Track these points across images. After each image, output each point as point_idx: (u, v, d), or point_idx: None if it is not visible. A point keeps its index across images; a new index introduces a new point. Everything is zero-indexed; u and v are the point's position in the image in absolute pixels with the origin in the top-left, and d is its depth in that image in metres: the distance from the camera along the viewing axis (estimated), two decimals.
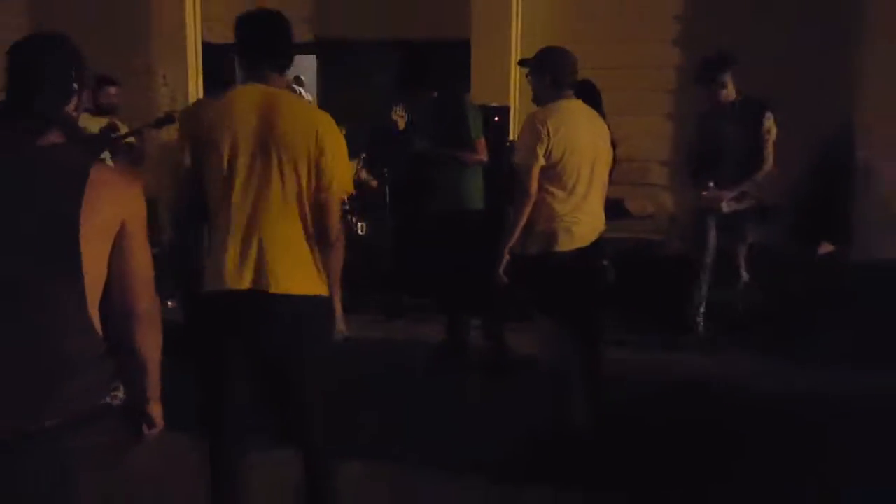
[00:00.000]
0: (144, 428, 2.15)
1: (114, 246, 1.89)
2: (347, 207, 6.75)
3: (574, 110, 4.06)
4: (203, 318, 2.84)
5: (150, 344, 2.04)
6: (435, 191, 5.40)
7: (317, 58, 8.92)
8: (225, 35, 8.17)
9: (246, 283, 2.68)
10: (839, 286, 6.08)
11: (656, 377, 5.11)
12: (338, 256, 2.94)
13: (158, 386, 2.12)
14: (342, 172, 2.86)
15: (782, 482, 3.85)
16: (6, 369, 1.77)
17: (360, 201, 6.82)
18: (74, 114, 2.00)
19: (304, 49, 8.63)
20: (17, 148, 1.86)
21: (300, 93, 9.02)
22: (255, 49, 2.84)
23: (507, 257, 4.08)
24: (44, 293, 1.79)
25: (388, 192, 6.72)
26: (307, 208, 2.78)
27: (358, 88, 8.31)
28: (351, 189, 3.01)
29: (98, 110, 6.41)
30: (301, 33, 8.10)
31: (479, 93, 7.02)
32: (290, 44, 2.92)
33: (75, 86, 1.95)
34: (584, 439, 3.99)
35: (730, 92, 5.37)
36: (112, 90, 6.54)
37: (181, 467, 3.43)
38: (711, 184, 5.35)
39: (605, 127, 4.26)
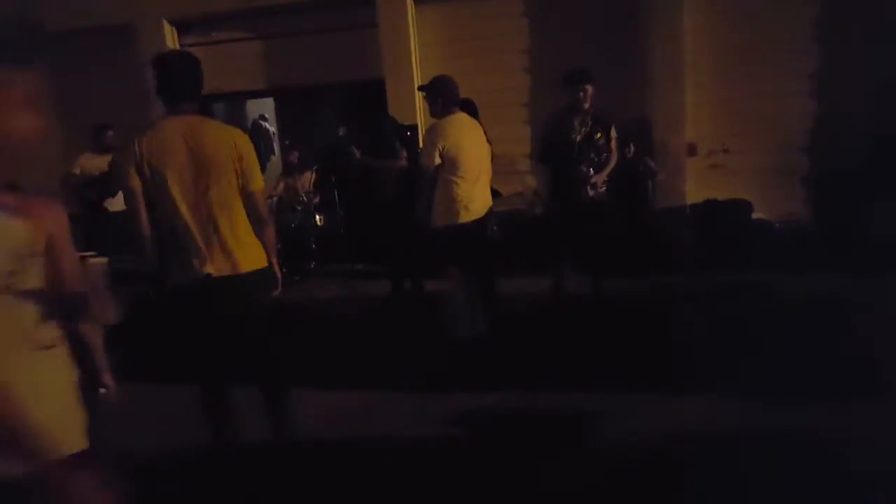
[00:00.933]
0: (101, 392, 1.97)
1: (44, 255, 1.70)
2: (306, 206, 6.87)
3: (462, 121, 4.14)
4: (184, 300, 2.68)
5: (90, 329, 1.90)
6: (372, 189, 5.49)
7: (274, 99, 8.89)
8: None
9: (217, 269, 2.64)
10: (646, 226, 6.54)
11: (538, 302, 5.26)
12: (271, 231, 2.87)
13: (104, 357, 1.96)
14: (258, 171, 2.77)
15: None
16: None
17: (317, 201, 6.95)
18: None
19: (262, 94, 8.63)
20: None
21: (265, 126, 9.00)
22: (177, 87, 2.64)
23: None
24: None
25: (336, 193, 6.84)
26: (242, 202, 2.73)
27: (307, 120, 8.36)
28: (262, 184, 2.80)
29: (101, 150, 6.29)
30: (258, 82, 8.13)
31: (396, 115, 6.98)
32: (201, 79, 2.71)
33: None
34: (482, 344, 4.15)
35: (588, 98, 4.78)
36: (109, 133, 6.40)
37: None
38: (591, 171, 4.80)
39: (483, 132, 4.38)
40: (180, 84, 2.65)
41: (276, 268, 2.91)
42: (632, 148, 6.65)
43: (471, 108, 4.79)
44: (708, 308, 5.01)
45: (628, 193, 6.47)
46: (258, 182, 2.77)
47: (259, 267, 2.78)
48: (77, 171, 6.35)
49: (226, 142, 2.68)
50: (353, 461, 3.19)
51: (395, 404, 3.73)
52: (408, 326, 5.10)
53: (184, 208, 2.61)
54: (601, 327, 4.67)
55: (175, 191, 2.59)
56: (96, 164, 6.23)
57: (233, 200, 2.70)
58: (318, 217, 6.89)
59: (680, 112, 6.97)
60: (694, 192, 7.01)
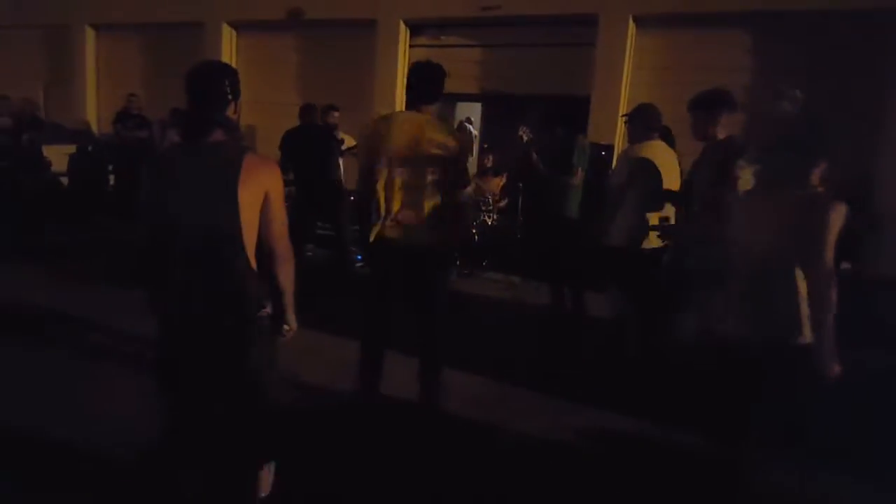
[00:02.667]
0: (284, 328, 2.23)
1: (261, 208, 2.02)
2: (491, 207, 7.07)
3: (656, 148, 4.12)
4: (379, 257, 3.09)
5: (285, 274, 2.13)
6: (547, 201, 5.41)
7: (481, 105, 9.25)
8: None
9: (407, 238, 3.00)
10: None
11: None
12: (457, 223, 3.17)
13: (292, 302, 2.20)
14: (466, 170, 3.13)
15: None
16: (202, 289, 1.99)
17: (502, 205, 7.13)
18: (234, 116, 2.08)
19: (473, 98, 9.02)
20: (196, 144, 2.02)
21: (469, 129, 9.38)
22: (416, 88, 3.09)
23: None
24: (219, 239, 1.97)
25: (520, 200, 6.97)
26: (443, 192, 3.02)
27: (509, 127, 8.56)
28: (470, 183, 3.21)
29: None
30: (471, 87, 8.51)
31: (595, 133, 7.14)
32: (440, 85, 3.10)
33: (230, 97, 2.04)
34: (633, 370, 4.03)
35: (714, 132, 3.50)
36: (335, 113, 6.99)
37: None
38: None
39: (677, 161, 4.27)
40: (419, 86, 3.10)
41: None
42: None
43: (667, 136, 4.67)
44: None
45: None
46: (465, 179, 3.14)
47: (444, 247, 3.13)
48: None
49: (445, 139, 3.04)
50: (472, 443, 3.31)
51: (531, 404, 3.80)
52: (561, 337, 5.01)
53: (396, 185, 3.00)
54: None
55: (391, 169, 2.99)
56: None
57: (438, 188, 3.03)
58: (492, 216, 7.07)
59: None
60: None
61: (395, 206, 3.01)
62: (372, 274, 3.19)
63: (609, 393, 3.88)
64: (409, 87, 3.10)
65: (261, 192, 1.99)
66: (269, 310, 2.13)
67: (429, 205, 3.03)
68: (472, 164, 9.46)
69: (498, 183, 7.28)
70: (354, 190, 3.15)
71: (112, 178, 9.54)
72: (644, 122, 4.16)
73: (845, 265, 6.01)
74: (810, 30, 6.56)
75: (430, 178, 2.99)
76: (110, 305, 4.85)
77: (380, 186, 3.00)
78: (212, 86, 2.02)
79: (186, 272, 2.00)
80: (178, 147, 2.06)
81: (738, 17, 6.83)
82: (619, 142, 7.17)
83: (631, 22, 7.30)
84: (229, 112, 2.05)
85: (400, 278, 3.12)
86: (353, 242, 6.46)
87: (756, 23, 6.84)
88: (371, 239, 3.08)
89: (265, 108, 9.87)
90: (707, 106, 3.57)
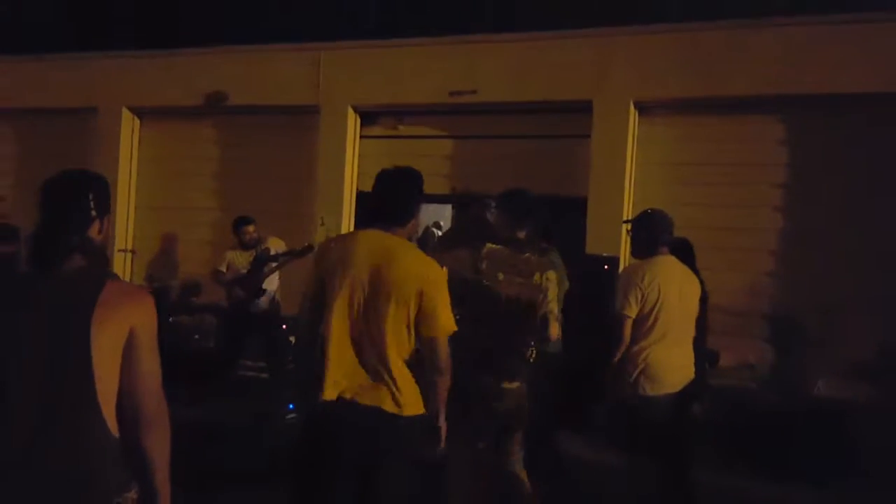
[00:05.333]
0: None
1: (124, 353, 1.98)
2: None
3: (668, 265, 4.26)
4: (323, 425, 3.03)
5: (156, 445, 2.04)
6: None
7: (451, 207, 9.56)
8: None
9: (363, 399, 2.95)
10: None
11: None
12: (444, 384, 3.08)
13: (167, 485, 2.09)
14: (446, 314, 3.01)
15: None
16: (34, 471, 1.89)
17: None
18: (100, 236, 2.15)
19: (441, 199, 9.33)
20: (43, 274, 2.01)
21: (437, 234, 9.66)
22: (386, 205, 3.15)
23: None
24: (65, 399, 1.91)
25: None
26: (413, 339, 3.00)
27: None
28: (451, 329, 3.04)
29: (243, 246, 7.18)
30: (438, 186, 8.83)
31: (593, 243, 7.40)
32: (407, 202, 3.15)
33: (94, 213, 2.12)
34: None
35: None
36: (249, 228, 7.15)
37: None
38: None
39: (697, 282, 4.41)
40: (379, 202, 3.19)
41: (443, 419, 3.13)
42: None
43: (683, 249, 4.84)
44: None
45: None
46: (444, 325, 3.04)
47: (411, 412, 3.01)
48: (223, 268, 7.37)
49: (415, 272, 3.02)
50: None
51: None
52: None
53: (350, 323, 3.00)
54: None
55: (340, 308, 2.98)
56: (241, 261, 7.19)
57: (403, 335, 3.01)
58: None
59: None
60: None
61: (351, 357, 2.99)
62: (309, 449, 3.11)
63: None
64: (377, 204, 3.18)
65: (123, 331, 1.98)
66: (135, 494, 2.05)
67: (397, 355, 3.01)
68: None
69: None
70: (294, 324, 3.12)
71: None
72: (649, 231, 4.33)
73: None
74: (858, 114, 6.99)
75: (399, 317, 2.97)
76: None
77: (332, 328, 2.97)
78: (70, 202, 2.11)
79: (19, 448, 1.91)
80: (21, 276, 2.08)
81: (769, 101, 7.30)
82: (626, 253, 7.42)
83: (632, 108, 7.71)
84: (93, 231, 2.13)
85: (349, 455, 3.01)
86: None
87: (792, 107, 7.28)
88: (315, 397, 3.01)
89: (177, 214, 10.06)
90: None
